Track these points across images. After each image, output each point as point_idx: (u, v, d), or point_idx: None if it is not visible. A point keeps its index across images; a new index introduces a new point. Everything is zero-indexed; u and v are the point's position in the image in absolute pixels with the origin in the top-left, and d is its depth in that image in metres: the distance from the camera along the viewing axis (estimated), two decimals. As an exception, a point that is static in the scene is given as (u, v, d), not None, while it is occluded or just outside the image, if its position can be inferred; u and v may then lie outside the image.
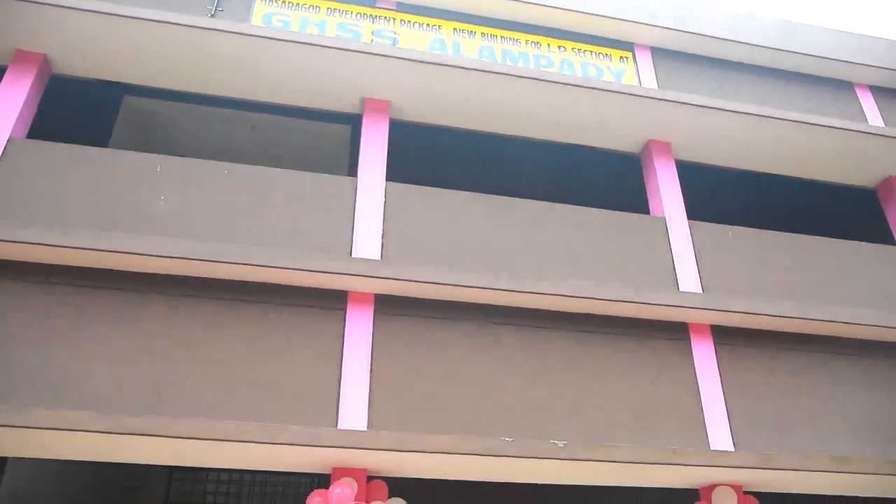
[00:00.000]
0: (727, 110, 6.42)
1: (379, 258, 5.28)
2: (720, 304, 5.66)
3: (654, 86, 6.95)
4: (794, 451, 5.44)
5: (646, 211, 6.46)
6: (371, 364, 4.98)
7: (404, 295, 5.24)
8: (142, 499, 10.06)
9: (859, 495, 6.24)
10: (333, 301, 5.14)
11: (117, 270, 4.88)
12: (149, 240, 4.86)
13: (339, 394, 4.83)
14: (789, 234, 6.49)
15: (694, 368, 5.59)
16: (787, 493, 5.97)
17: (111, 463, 5.41)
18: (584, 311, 5.53)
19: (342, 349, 4.98)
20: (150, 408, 4.55)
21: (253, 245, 5.09)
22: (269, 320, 5.01)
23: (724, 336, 5.79)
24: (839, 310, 5.90)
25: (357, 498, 4.68)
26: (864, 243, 6.62)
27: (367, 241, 5.34)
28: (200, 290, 5.00)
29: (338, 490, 4.60)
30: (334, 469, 4.89)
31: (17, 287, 4.74)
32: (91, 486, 8.49)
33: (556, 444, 4.94)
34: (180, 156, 5.98)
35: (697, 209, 6.58)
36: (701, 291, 5.81)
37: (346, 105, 6.23)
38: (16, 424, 4.28)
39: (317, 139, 8.41)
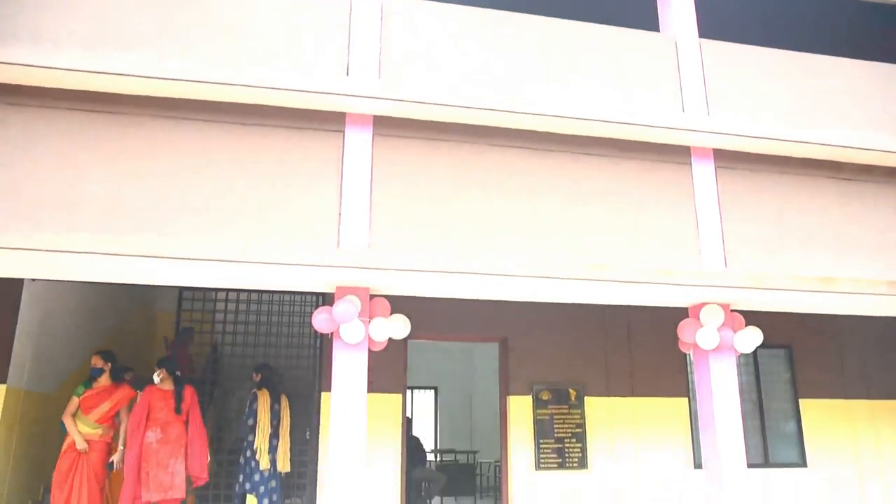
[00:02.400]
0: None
1: (377, 77, 5.10)
2: (725, 127, 5.55)
3: None
4: (783, 271, 5.61)
5: (656, 30, 6.16)
6: (371, 185, 4.98)
7: (404, 116, 5.12)
8: (154, 316, 10.57)
9: (842, 314, 6.52)
10: (331, 123, 5.03)
11: (106, 92, 4.73)
12: (137, 60, 4.65)
13: (339, 215, 4.87)
14: (803, 53, 6.21)
15: (693, 191, 5.61)
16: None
17: (126, 283, 5.58)
18: (587, 134, 5.44)
19: (342, 171, 4.96)
20: (154, 230, 4.61)
21: (245, 65, 4.89)
22: (267, 142, 4.94)
23: (725, 159, 5.75)
24: (847, 133, 5.81)
25: (360, 314, 4.88)
26: (880, 64, 6.35)
27: (364, 60, 5.12)
28: (195, 112, 4.87)
29: (341, 307, 4.78)
30: (337, 288, 5.06)
31: (3, 110, 4.62)
32: (105, 304, 8.87)
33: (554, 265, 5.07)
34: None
35: (710, 27, 6.26)
36: (707, 114, 5.68)
37: None
38: (21, 247, 4.36)
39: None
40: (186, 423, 6.28)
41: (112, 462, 6.08)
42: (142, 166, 4.72)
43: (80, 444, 5.97)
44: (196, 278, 5.24)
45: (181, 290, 7.68)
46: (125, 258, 4.53)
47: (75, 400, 6.17)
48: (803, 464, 8.41)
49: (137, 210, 4.63)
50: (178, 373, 6.43)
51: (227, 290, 7.64)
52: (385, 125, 5.12)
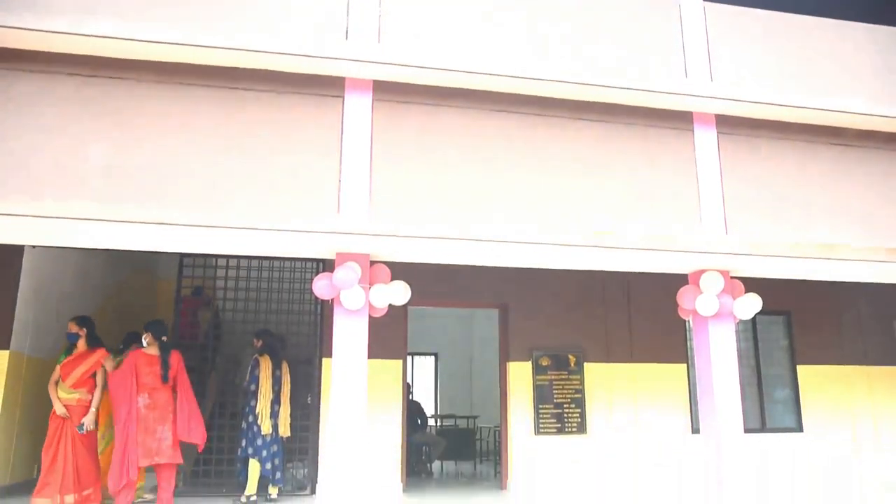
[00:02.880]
0: None
1: (377, 41, 5.04)
2: (728, 93, 5.51)
3: None
4: (783, 238, 5.61)
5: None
6: (371, 151, 4.96)
7: (404, 81, 5.07)
8: (154, 283, 10.61)
9: (841, 280, 6.54)
10: (330, 88, 4.99)
11: (105, 57, 4.68)
12: (133, 24, 4.59)
13: (339, 181, 4.86)
14: (807, 17, 6.11)
15: (694, 158, 5.58)
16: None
17: (126, 250, 5.58)
18: (587, 99, 5.39)
19: (341, 137, 4.93)
20: (154, 197, 4.60)
21: (242, 28, 4.83)
22: (267, 108, 4.90)
23: (727, 125, 5.71)
24: (849, 99, 5.76)
25: (360, 280, 4.88)
26: (883, 27, 6.26)
27: (364, 24, 5.05)
28: (194, 78, 4.82)
29: (341, 273, 4.79)
30: (337, 254, 5.06)
31: (3, 77, 4.57)
32: (106, 270, 8.90)
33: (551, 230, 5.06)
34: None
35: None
36: (710, 79, 5.63)
37: None
38: (21, 213, 4.35)
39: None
40: (175, 388, 6.25)
41: (82, 424, 6.04)
42: (141, 132, 4.69)
43: (59, 410, 6.03)
44: (196, 245, 5.24)
45: (182, 256, 7.69)
46: (125, 225, 4.52)
47: (57, 368, 6.22)
48: (800, 429, 8.51)
49: (137, 176, 4.61)
50: (164, 338, 6.29)
51: (228, 257, 7.65)
52: (385, 90, 5.08)
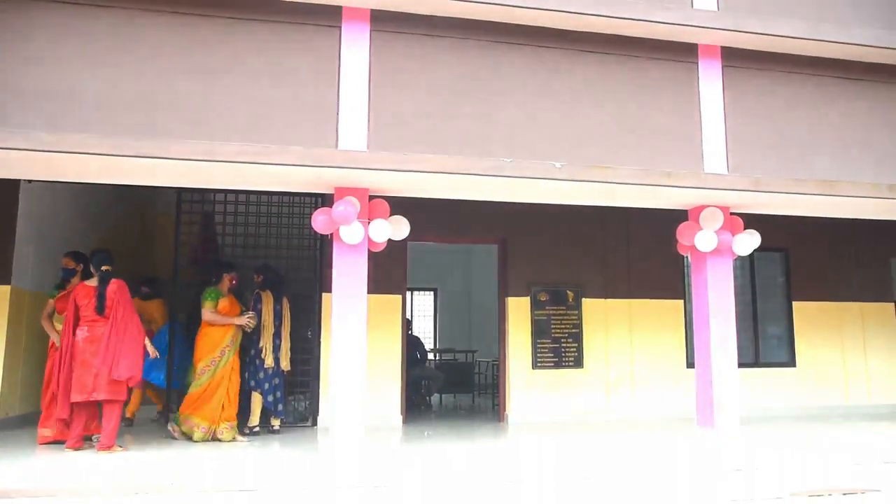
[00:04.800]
0: None
1: (374, -31, 4.89)
2: (735, 23, 5.37)
3: None
4: (785, 175, 5.56)
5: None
6: (369, 84, 4.86)
7: (402, 10, 4.93)
8: (153, 218, 10.58)
9: (841, 217, 6.53)
10: (328, 17, 4.86)
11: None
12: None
13: (337, 114, 4.79)
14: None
15: (698, 91, 5.49)
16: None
17: (124, 185, 5.53)
18: (589, 30, 5.26)
19: (339, 68, 4.83)
20: (152, 130, 4.54)
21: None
22: (264, 38, 4.79)
23: (733, 58, 5.60)
24: (859, 31, 5.62)
25: (359, 215, 4.87)
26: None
27: (361, -50, 4.89)
28: (188, 6, 4.70)
29: (341, 208, 4.77)
30: (336, 189, 5.03)
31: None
32: (105, 207, 8.86)
33: (554, 165, 5.02)
34: None
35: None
36: (717, 9, 5.48)
37: None
38: (17, 147, 4.30)
39: None
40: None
41: None
42: (136, 63, 4.59)
43: (59, 341, 6.08)
44: (192, 179, 5.20)
45: (180, 191, 7.63)
46: (119, 159, 4.48)
47: (50, 302, 6.22)
48: (793, 364, 8.64)
49: (132, 108, 4.54)
50: (104, 268, 5.85)
51: (226, 192, 7.59)
52: (383, 20, 4.95)
